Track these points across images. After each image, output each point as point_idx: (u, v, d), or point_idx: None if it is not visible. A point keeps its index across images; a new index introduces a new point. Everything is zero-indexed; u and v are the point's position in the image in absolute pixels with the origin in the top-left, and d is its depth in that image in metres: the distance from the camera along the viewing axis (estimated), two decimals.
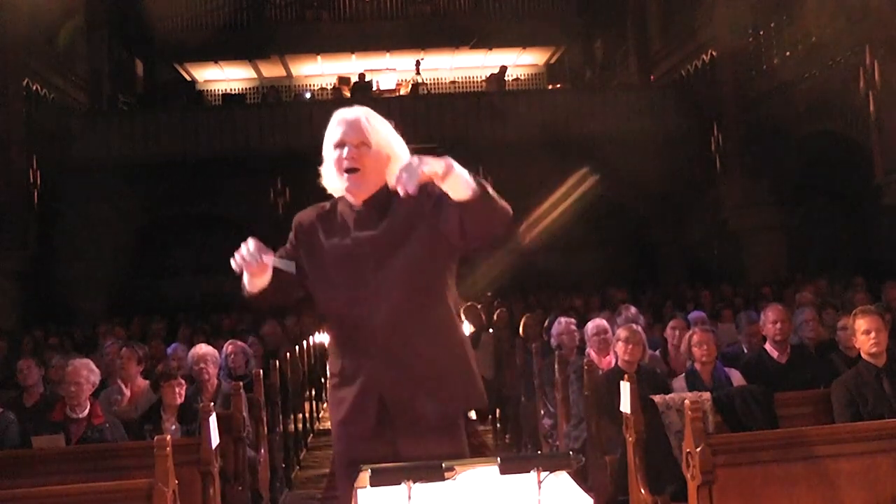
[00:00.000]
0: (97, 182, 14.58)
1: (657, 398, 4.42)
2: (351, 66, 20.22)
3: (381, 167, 2.57)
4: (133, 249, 16.32)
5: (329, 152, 2.61)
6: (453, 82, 21.55)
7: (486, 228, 2.47)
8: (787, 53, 12.86)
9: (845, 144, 11.67)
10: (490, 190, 2.36)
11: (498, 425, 8.73)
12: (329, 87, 20.18)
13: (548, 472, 1.93)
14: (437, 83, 21.04)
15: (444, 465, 1.95)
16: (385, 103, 16.10)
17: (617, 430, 4.50)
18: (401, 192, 2.28)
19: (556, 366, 5.93)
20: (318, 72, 21.46)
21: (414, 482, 1.89)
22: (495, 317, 9.12)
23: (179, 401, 4.98)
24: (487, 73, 19.53)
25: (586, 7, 20.13)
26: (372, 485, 1.92)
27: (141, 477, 3.58)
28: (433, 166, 2.28)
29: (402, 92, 18.44)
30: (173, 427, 4.86)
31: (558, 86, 19.52)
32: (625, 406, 4.20)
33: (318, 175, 2.68)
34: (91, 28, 16.63)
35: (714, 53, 14.91)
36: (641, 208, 16.73)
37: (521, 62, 21.96)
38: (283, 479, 6.82)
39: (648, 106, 16.09)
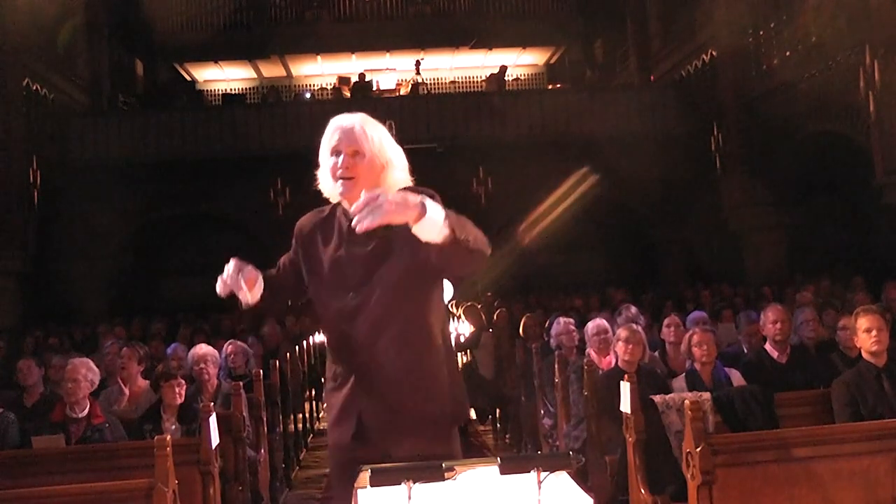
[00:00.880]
0: (97, 182, 14.57)
1: (657, 398, 4.43)
2: (351, 66, 20.23)
3: (374, 176, 2.57)
4: (133, 249, 16.32)
5: (325, 158, 2.63)
6: (453, 82, 21.55)
7: (457, 269, 2.46)
8: (787, 53, 12.85)
9: (845, 144, 11.66)
10: (465, 233, 2.26)
11: (498, 425, 8.73)
12: (329, 87, 20.20)
13: (548, 472, 1.92)
14: (437, 83, 21.04)
15: (444, 465, 1.95)
16: (385, 103, 16.13)
17: (617, 430, 4.51)
18: (355, 227, 2.20)
19: (556, 366, 5.93)
20: (318, 72, 21.47)
21: (414, 482, 1.89)
22: (495, 317, 9.12)
23: (179, 401, 4.98)
24: (487, 73, 19.54)
25: (586, 7, 20.13)
26: (372, 485, 1.92)
27: (141, 477, 3.58)
28: (400, 212, 2.18)
29: (402, 92, 18.44)
30: (173, 427, 4.87)
31: (558, 86, 19.52)
32: (625, 406, 4.20)
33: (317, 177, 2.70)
34: (91, 28, 16.63)
35: (714, 53, 14.91)
36: (641, 208, 16.72)
37: (521, 62, 21.98)
38: (283, 479, 6.82)
39: (648, 106, 16.09)
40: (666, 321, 6.20)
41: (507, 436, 8.17)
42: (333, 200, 2.69)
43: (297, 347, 8.93)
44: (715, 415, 4.42)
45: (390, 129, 2.85)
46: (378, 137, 2.60)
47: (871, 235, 13.92)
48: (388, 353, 2.54)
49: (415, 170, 2.67)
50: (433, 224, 2.20)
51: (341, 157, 2.56)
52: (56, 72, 15.22)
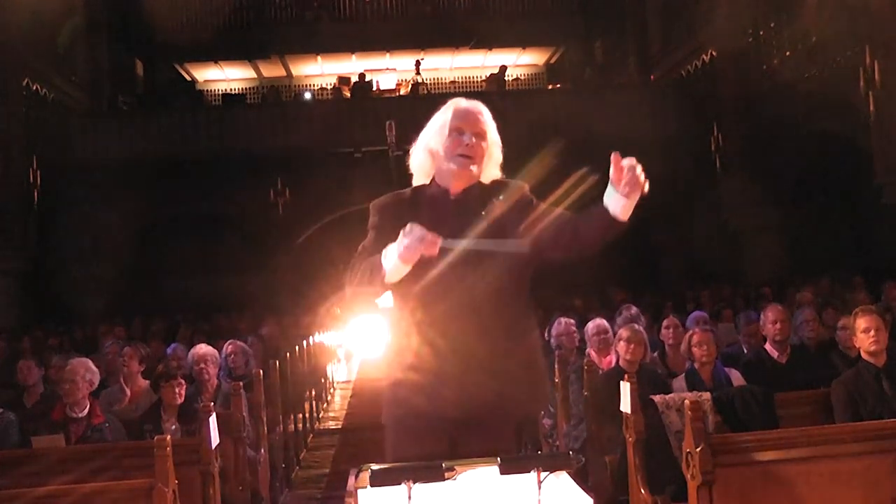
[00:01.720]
0: (97, 182, 14.57)
1: (657, 398, 4.42)
2: (351, 66, 20.22)
3: (485, 162, 2.69)
4: (133, 249, 16.30)
5: (437, 135, 2.68)
6: (453, 82, 21.54)
7: (586, 251, 2.86)
8: (787, 53, 12.86)
9: (845, 144, 11.66)
10: None
11: None
12: (329, 87, 20.20)
13: (548, 472, 1.93)
14: (437, 83, 21.03)
15: (444, 465, 1.95)
16: (385, 103, 16.11)
17: (617, 430, 4.50)
18: (638, 172, 2.58)
19: (555, 366, 5.93)
20: (318, 72, 21.46)
21: (414, 482, 1.89)
22: None
23: (179, 401, 4.98)
24: (487, 73, 19.53)
25: (586, 7, 20.12)
26: (372, 485, 1.92)
27: (141, 477, 3.58)
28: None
29: (402, 92, 18.44)
30: (173, 427, 4.86)
31: (558, 86, 19.51)
32: (625, 406, 4.19)
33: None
34: (91, 28, 16.63)
35: (714, 53, 14.91)
36: (641, 208, 16.68)
37: (521, 62, 21.96)
38: (283, 479, 6.81)
39: (648, 106, 16.08)
40: (665, 322, 6.19)
41: None
42: (418, 182, 2.71)
43: (297, 347, 8.92)
44: (715, 415, 4.42)
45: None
46: (495, 129, 2.72)
47: (871, 235, 13.92)
48: (491, 334, 2.54)
49: None
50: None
51: (465, 135, 2.63)
52: (56, 72, 15.22)
